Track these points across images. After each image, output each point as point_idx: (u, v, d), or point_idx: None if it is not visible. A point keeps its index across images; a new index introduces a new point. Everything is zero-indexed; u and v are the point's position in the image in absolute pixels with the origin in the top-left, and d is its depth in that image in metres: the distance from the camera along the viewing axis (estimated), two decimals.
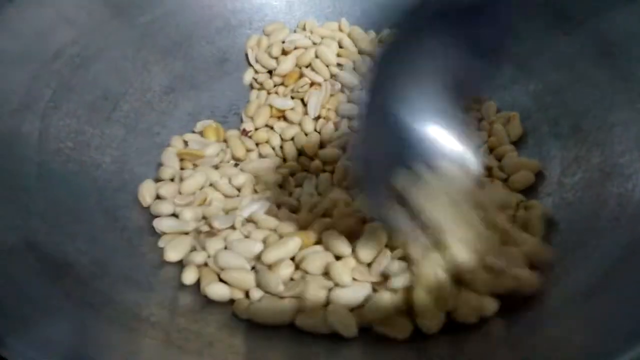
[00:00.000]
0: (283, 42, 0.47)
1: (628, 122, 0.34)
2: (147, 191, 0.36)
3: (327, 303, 0.28)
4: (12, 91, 0.34)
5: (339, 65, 0.45)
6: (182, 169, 0.39)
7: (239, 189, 0.38)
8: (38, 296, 0.24)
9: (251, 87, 0.47)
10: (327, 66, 0.45)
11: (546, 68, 0.41)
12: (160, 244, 0.33)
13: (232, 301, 0.29)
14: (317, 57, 0.45)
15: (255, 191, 0.38)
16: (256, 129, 0.43)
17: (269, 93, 0.46)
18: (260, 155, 0.42)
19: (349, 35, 0.48)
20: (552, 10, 0.41)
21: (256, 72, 0.47)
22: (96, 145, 0.37)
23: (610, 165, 0.33)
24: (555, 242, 0.31)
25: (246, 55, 0.48)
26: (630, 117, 0.34)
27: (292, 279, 0.30)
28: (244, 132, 0.42)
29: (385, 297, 0.27)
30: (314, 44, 0.47)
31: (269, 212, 0.35)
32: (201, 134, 0.42)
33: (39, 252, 0.27)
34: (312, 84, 0.44)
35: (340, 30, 0.49)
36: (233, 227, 0.33)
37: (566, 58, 0.40)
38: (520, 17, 0.42)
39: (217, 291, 0.29)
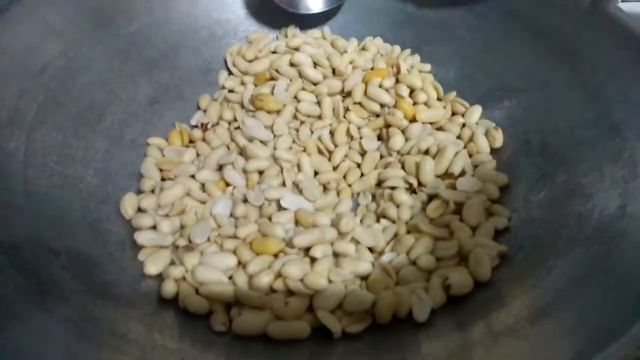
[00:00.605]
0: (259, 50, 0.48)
1: (593, 140, 0.36)
2: (129, 204, 0.37)
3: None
4: (0, 107, 0.35)
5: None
6: (163, 179, 0.40)
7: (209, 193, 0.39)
8: (23, 313, 0.25)
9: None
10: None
11: (520, 84, 0.42)
12: (140, 257, 0.34)
13: (209, 315, 0.31)
14: (291, 63, 0.46)
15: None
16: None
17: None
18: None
19: (332, 44, 0.49)
20: (528, 26, 0.43)
21: (230, 73, 0.48)
22: (80, 158, 0.38)
23: (574, 183, 0.35)
24: (516, 260, 0.33)
25: (224, 60, 0.49)
26: (595, 135, 0.36)
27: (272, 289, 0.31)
28: (203, 127, 0.44)
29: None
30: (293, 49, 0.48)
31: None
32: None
33: (24, 269, 0.28)
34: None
35: (323, 37, 0.50)
36: (209, 239, 0.34)
37: (540, 75, 0.41)
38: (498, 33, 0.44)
39: (196, 305, 0.31)
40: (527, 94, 0.42)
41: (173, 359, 0.26)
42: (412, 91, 0.44)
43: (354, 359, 0.29)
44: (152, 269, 0.33)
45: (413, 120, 0.43)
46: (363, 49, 0.49)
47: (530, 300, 0.29)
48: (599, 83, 0.37)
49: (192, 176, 0.40)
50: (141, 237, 0.35)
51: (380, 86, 0.44)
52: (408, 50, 0.48)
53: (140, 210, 0.37)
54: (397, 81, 0.46)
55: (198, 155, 0.42)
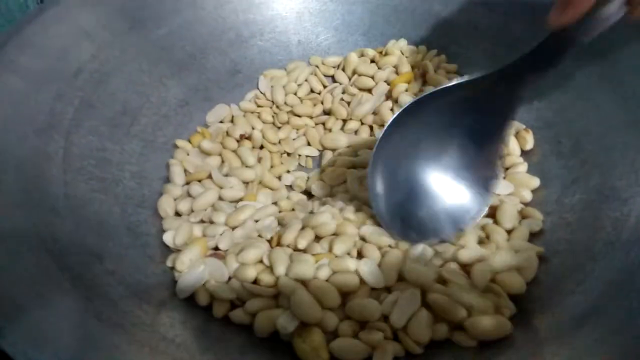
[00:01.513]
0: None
1: (627, 144, 0.36)
2: (167, 205, 0.38)
3: None
4: (37, 110, 0.35)
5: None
6: (187, 182, 0.41)
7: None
8: (73, 320, 0.26)
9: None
10: None
11: (550, 85, 0.42)
12: (168, 262, 0.34)
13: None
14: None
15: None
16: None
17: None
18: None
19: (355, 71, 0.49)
20: None
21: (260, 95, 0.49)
22: (116, 161, 0.38)
23: (608, 188, 0.35)
24: (553, 264, 0.33)
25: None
26: (629, 139, 0.36)
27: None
28: (242, 137, 0.44)
29: None
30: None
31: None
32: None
33: (72, 275, 0.28)
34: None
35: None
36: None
37: (570, 76, 0.41)
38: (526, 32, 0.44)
39: (235, 316, 0.31)
40: (557, 95, 0.42)
41: None
42: None
43: None
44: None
45: None
46: (385, 54, 0.49)
47: (571, 305, 0.29)
48: (631, 85, 0.37)
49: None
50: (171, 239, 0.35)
51: (406, 91, 0.45)
52: (434, 51, 0.48)
53: (177, 213, 0.38)
54: (425, 82, 0.46)
55: (223, 161, 0.43)
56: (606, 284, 0.29)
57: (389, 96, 0.46)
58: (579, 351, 0.26)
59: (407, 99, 0.43)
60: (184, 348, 0.27)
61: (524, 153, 0.41)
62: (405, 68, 0.46)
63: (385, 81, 0.47)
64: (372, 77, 0.48)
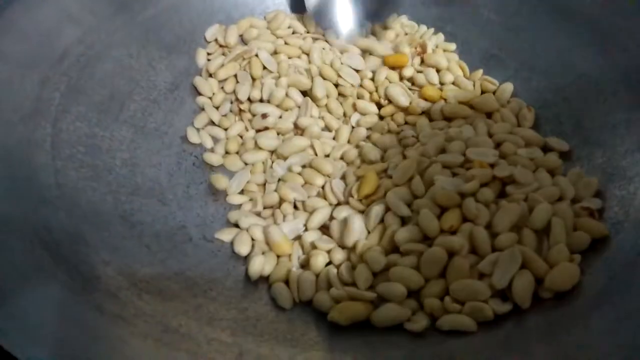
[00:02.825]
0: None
1: (629, 121, 0.35)
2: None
3: None
4: (23, 96, 0.34)
5: None
6: None
7: None
8: (72, 313, 0.25)
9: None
10: None
11: (549, 64, 0.42)
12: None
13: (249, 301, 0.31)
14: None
15: None
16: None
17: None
18: None
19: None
20: (556, 6, 0.42)
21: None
22: (107, 148, 0.37)
23: (613, 166, 0.35)
24: None
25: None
26: (632, 117, 0.35)
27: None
28: (264, 116, 0.43)
29: None
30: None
31: None
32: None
33: (67, 266, 0.27)
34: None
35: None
36: None
37: (569, 55, 0.41)
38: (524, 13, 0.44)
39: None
40: (557, 75, 0.41)
41: (229, 353, 0.26)
42: (438, 71, 0.44)
43: None
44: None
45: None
46: (385, 28, 0.48)
47: (584, 287, 0.28)
48: (631, 64, 0.37)
49: None
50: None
51: (400, 78, 0.44)
52: (432, 30, 0.47)
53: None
54: (422, 61, 0.45)
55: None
56: (618, 265, 0.29)
57: None
58: (592, 333, 0.25)
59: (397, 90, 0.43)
60: (189, 338, 0.26)
61: None
62: (404, 48, 0.45)
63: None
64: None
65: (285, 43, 0.46)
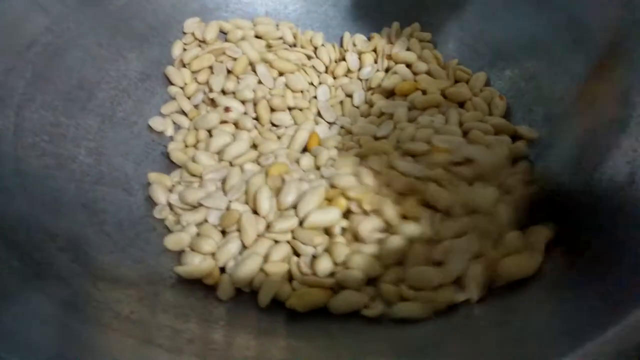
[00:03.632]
0: None
1: None
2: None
3: None
4: None
5: None
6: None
7: None
8: (19, 297, 0.24)
9: None
10: None
11: (522, 53, 0.42)
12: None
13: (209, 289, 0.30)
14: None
15: None
16: None
17: None
18: None
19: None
20: None
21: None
22: (72, 137, 0.36)
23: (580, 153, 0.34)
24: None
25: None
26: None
27: None
28: (227, 110, 0.42)
29: None
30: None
31: None
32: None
33: (21, 252, 0.27)
34: None
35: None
36: None
37: (542, 44, 0.40)
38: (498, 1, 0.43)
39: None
40: (529, 63, 0.41)
41: (180, 339, 0.26)
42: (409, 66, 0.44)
43: None
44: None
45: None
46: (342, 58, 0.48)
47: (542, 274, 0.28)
48: (603, 51, 0.37)
49: None
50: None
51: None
52: (396, 24, 0.47)
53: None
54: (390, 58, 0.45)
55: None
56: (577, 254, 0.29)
57: None
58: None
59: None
60: (140, 324, 0.26)
61: None
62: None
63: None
64: None
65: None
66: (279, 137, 0.41)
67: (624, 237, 0.26)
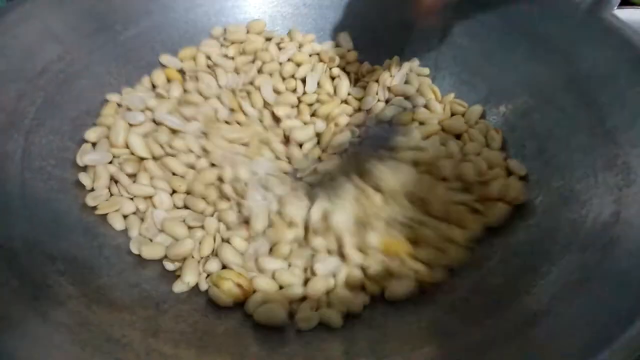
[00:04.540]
0: None
1: (588, 146, 0.36)
2: None
3: None
4: None
5: None
6: None
7: None
8: (18, 318, 0.25)
9: None
10: None
11: (516, 90, 0.42)
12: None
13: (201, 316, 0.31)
14: None
15: None
16: None
17: None
18: None
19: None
20: (525, 33, 0.43)
21: None
22: (77, 161, 0.38)
23: (569, 189, 0.35)
24: (512, 265, 0.33)
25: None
26: (590, 142, 0.36)
27: None
28: None
29: None
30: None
31: None
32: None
33: (21, 273, 0.28)
34: None
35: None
36: None
37: (536, 81, 0.41)
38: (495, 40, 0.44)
39: None
40: (523, 99, 0.42)
41: None
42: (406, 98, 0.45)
43: None
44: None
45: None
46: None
47: (525, 305, 0.29)
48: (594, 90, 0.37)
49: None
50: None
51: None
52: (396, 57, 0.48)
53: None
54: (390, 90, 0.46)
55: None
56: (561, 285, 0.29)
57: None
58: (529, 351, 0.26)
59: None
60: (130, 348, 0.27)
61: None
62: None
63: None
64: None
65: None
66: None
67: None
